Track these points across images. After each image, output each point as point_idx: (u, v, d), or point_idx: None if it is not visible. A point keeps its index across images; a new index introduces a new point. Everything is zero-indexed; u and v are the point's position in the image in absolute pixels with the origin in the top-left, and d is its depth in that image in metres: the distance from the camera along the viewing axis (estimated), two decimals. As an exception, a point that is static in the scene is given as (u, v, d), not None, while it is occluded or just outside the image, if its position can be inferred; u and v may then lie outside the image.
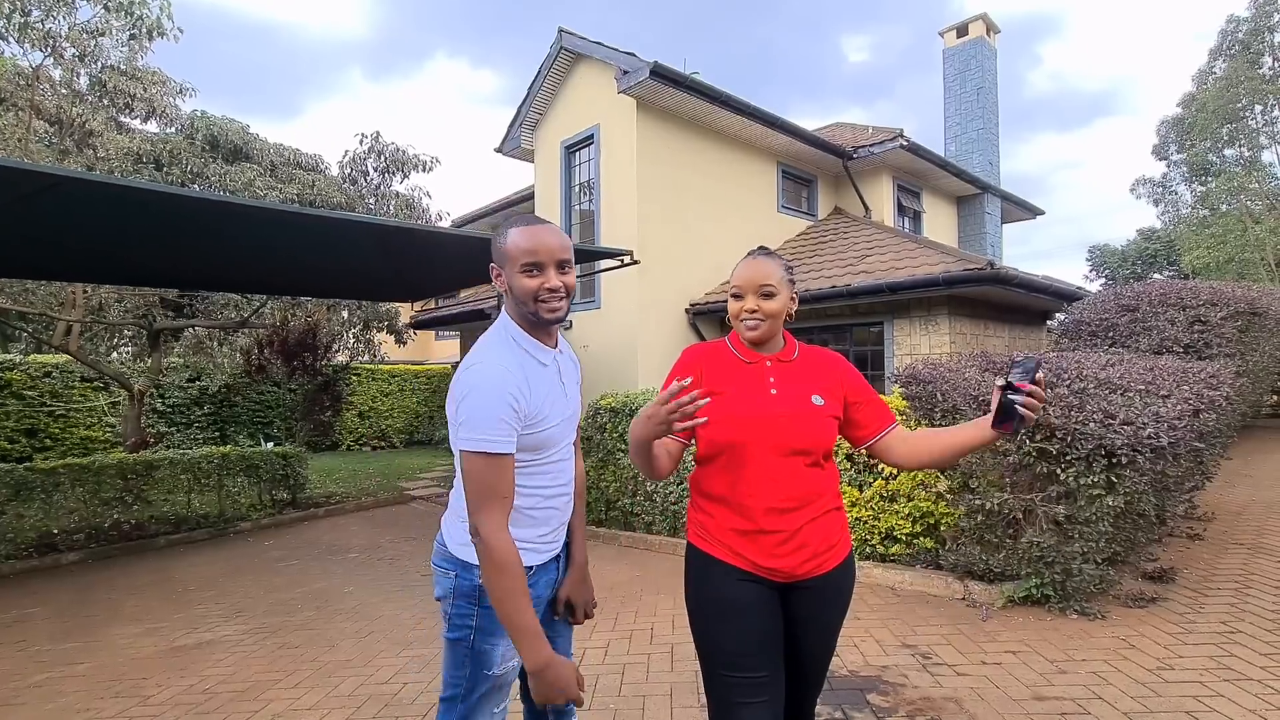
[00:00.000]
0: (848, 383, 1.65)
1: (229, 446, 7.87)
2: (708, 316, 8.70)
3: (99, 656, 3.52)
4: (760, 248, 1.67)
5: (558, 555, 1.61)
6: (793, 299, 1.63)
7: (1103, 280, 27.44)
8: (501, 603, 1.33)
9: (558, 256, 1.44)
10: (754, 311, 1.57)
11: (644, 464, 1.52)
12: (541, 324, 1.47)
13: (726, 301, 1.66)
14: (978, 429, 1.49)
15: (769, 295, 1.57)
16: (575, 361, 1.69)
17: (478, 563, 1.38)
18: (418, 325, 11.75)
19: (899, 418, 4.39)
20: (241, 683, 3.13)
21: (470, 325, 10.14)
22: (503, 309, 1.55)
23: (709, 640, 1.52)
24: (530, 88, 9.51)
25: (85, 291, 8.12)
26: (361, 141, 10.27)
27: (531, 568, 1.50)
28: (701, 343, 1.71)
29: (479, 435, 1.33)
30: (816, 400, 1.56)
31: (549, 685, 1.34)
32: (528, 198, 11.55)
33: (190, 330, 10.00)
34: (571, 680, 1.36)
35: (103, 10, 7.14)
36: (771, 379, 1.58)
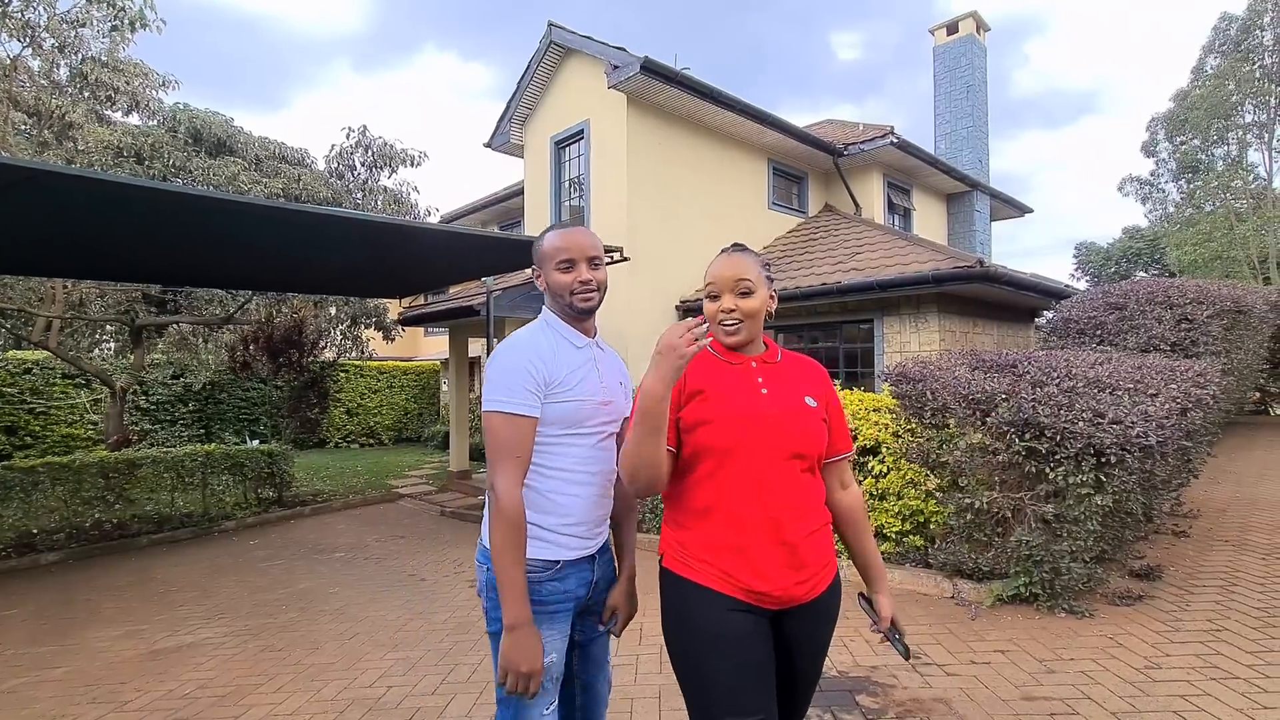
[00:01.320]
0: (827, 394, 1.56)
1: (213, 444, 7.77)
2: (698, 314, 8.67)
3: (76, 660, 3.45)
4: (735, 244, 1.57)
5: (593, 556, 1.59)
6: (771, 297, 1.54)
7: (1088, 278, 27.69)
8: (498, 552, 1.39)
9: (588, 253, 1.56)
10: (731, 311, 1.46)
11: (651, 453, 1.32)
12: (578, 314, 1.57)
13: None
14: (874, 585, 1.58)
15: (747, 293, 1.46)
16: (620, 363, 1.74)
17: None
18: (406, 322, 11.61)
19: (889, 417, 4.39)
20: (222, 687, 3.07)
21: (459, 321, 10.05)
22: (544, 307, 1.65)
23: (701, 678, 1.37)
24: (519, 82, 9.43)
25: (65, 287, 7.97)
26: (348, 136, 10.12)
27: (559, 563, 1.51)
28: None
29: (500, 396, 1.45)
30: (810, 401, 1.47)
31: (516, 647, 1.37)
32: (518, 193, 11.46)
33: (174, 327, 9.84)
34: (538, 653, 1.38)
35: (83, 0, 6.99)
36: (760, 379, 1.48)
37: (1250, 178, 18.57)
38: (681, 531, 1.46)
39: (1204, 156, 19.85)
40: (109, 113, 8.58)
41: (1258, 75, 17.69)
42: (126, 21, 7.04)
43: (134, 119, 8.75)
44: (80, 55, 7.56)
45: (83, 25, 7.19)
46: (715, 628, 1.37)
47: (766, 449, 1.39)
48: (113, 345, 11.30)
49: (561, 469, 1.52)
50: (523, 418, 1.44)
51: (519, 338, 1.54)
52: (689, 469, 1.43)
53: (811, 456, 1.44)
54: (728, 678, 1.34)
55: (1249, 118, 18.47)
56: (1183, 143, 20.33)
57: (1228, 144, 19.21)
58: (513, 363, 1.47)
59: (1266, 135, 18.29)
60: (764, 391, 1.45)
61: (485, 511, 1.58)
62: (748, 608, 1.38)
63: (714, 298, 1.50)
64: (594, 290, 1.56)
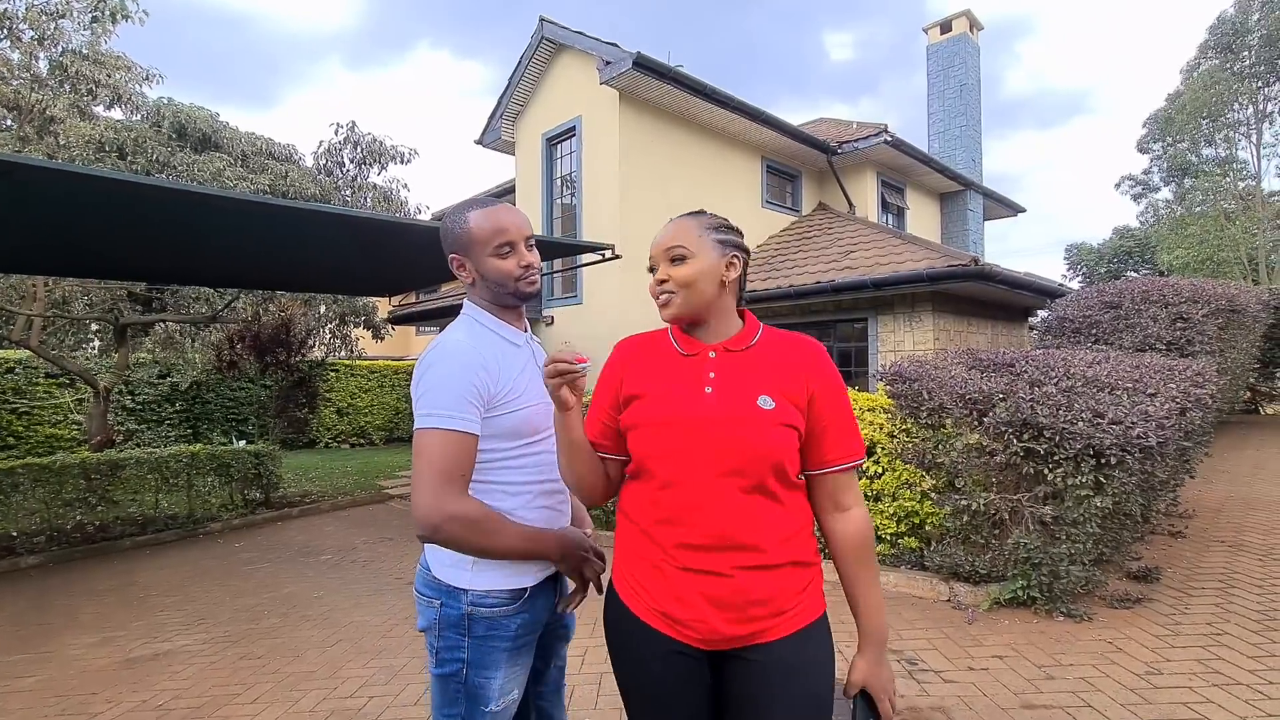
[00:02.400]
0: (816, 385, 1.23)
1: (199, 445, 7.63)
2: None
3: (48, 669, 3.34)
4: (688, 212, 1.37)
5: (557, 574, 1.44)
6: (730, 263, 1.28)
7: (1080, 278, 27.84)
8: (506, 552, 1.31)
9: (525, 233, 1.42)
10: (663, 282, 1.26)
11: (571, 464, 1.27)
12: (523, 300, 1.44)
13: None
14: (860, 640, 1.27)
15: (678, 259, 1.25)
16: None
17: (464, 585, 1.31)
18: (396, 320, 11.51)
19: (884, 417, 4.32)
20: (197, 697, 2.97)
21: (451, 320, 9.98)
22: (465, 301, 1.47)
23: (630, 716, 1.27)
24: (511, 78, 9.33)
25: (47, 284, 7.82)
26: (337, 132, 10.01)
27: (526, 590, 1.35)
28: (639, 334, 1.38)
29: (440, 410, 1.25)
30: (763, 402, 1.18)
31: (573, 551, 1.39)
32: (509, 191, 11.36)
33: (161, 325, 9.70)
34: (581, 540, 1.41)
35: (62, -9, 6.86)
36: (711, 374, 1.23)
37: (1239, 178, 18.67)
38: (619, 535, 1.31)
39: (1194, 158, 19.93)
40: (92, 107, 8.43)
41: (1244, 74, 17.77)
42: (107, 13, 6.92)
43: (116, 113, 8.60)
44: (60, 48, 7.41)
45: (62, 16, 7.05)
46: (635, 663, 1.23)
47: (690, 463, 1.17)
48: (97, 344, 11.13)
49: (527, 482, 1.38)
50: (466, 435, 1.27)
51: (456, 344, 1.33)
52: (632, 474, 1.29)
53: (755, 473, 1.16)
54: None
55: (1237, 117, 18.55)
56: (1173, 143, 20.42)
57: (1215, 145, 19.31)
58: (454, 373, 1.28)
59: (1254, 135, 18.40)
60: (708, 390, 1.21)
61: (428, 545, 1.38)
62: (674, 646, 1.19)
63: (652, 270, 1.30)
64: (537, 273, 1.42)
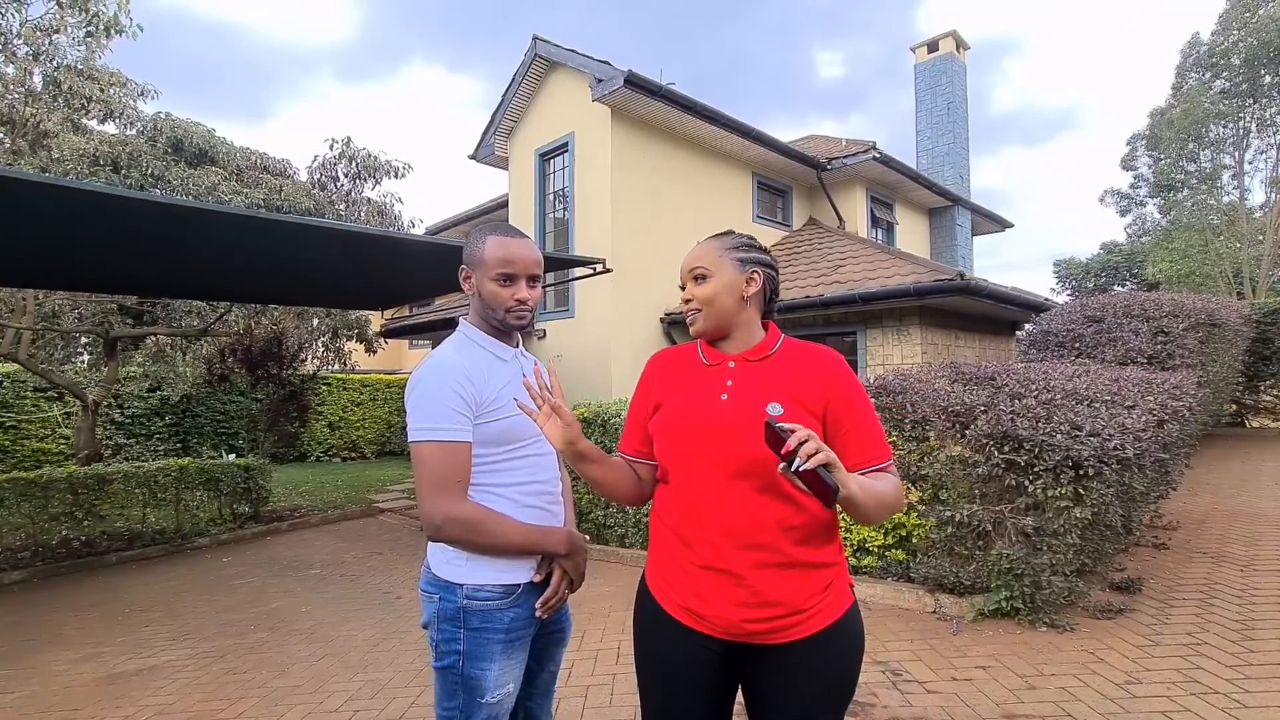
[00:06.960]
0: (831, 392, 1.27)
1: (188, 459, 7.59)
2: (682, 326, 8.65)
3: (29, 685, 3.31)
4: (717, 233, 1.46)
5: (546, 577, 1.50)
6: (750, 278, 1.35)
7: (1069, 292, 28.11)
8: (509, 548, 1.41)
9: (530, 271, 1.49)
10: (689, 301, 1.38)
11: (596, 482, 1.36)
12: (508, 329, 1.52)
13: None
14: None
15: (700, 278, 1.36)
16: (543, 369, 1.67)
17: (459, 580, 1.40)
18: (388, 334, 11.53)
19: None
20: (181, 713, 2.95)
21: (443, 334, 9.99)
22: (461, 318, 1.58)
23: (642, 702, 1.37)
24: (504, 94, 9.43)
25: (37, 298, 7.80)
26: (332, 147, 10.07)
27: (519, 587, 1.44)
28: (672, 347, 1.52)
29: (429, 424, 1.37)
30: (772, 409, 1.24)
31: (576, 553, 1.50)
32: (502, 205, 11.44)
33: (152, 338, 9.67)
34: (581, 541, 1.54)
35: (56, 6, 6.90)
36: (729, 382, 1.32)
37: (1223, 195, 18.96)
38: (653, 535, 1.41)
39: (1180, 175, 20.23)
40: (87, 121, 8.46)
41: (1229, 92, 18.11)
42: (101, 27, 6.95)
43: (110, 127, 8.63)
44: (55, 63, 7.45)
45: (56, 32, 7.09)
46: (663, 651, 1.32)
47: (706, 465, 1.27)
48: (86, 358, 11.08)
49: (516, 483, 1.47)
50: (457, 444, 1.38)
51: (443, 359, 1.44)
52: (661, 479, 1.39)
53: (761, 474, 1.22)
54: (665, 707, 1.32)
55: (1222, 133, 18.86)
56: (1159, 159, 20.73)
57: (1200, 161, 19.62)
58: (438, 387, 1.39)
59: (1237, 153, 18.72)
60: (724, 398, 1.30)
61: (430, 543, 1.48)
62: (697, 639, 1.28)
63: (682, 288, 1.43)
64: (529, 310, 1.50)
